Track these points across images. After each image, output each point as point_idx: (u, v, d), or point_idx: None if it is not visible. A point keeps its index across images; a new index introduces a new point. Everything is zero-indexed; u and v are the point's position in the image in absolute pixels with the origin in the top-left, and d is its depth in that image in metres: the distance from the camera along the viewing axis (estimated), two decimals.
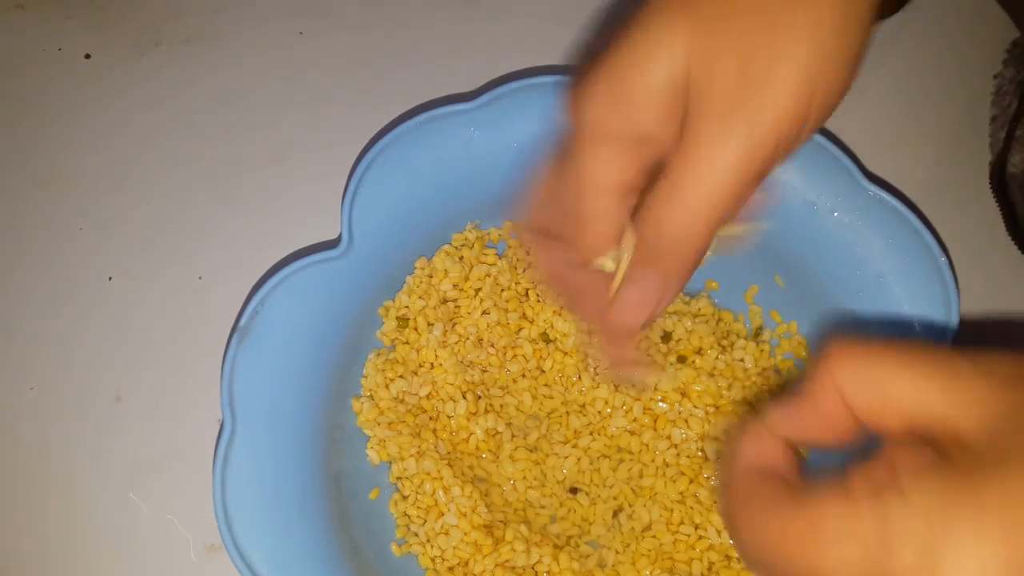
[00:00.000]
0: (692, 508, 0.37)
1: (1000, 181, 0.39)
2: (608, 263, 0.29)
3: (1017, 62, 0.41)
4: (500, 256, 0.40)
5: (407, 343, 0.38)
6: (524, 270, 0.40)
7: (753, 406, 0.39)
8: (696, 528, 0.37)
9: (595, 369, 0.38)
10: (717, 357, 0.39)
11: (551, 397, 0.39)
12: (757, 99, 0.25)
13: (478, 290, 0.39)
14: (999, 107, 0.41)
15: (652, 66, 0.26)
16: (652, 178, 0.28)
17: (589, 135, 0.28)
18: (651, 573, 0.36)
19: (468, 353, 0.39)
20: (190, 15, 0.46)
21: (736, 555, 0.37)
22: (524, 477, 0.38)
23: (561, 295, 0.33)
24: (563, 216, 0.30)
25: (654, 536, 0.37)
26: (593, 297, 0.30)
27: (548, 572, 0.36)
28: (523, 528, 0.36)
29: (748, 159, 0.26)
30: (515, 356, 0.39)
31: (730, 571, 0.36)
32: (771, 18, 0.25)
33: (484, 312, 0.39)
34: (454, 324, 0.39)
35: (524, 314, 0.39)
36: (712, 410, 0.38)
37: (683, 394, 0.38)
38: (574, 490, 0.38)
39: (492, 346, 0.39)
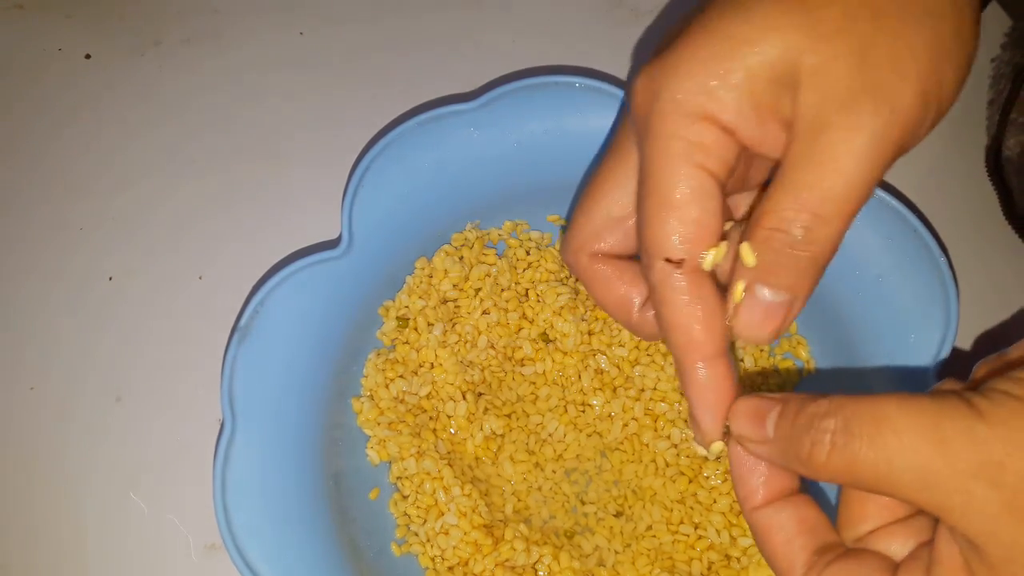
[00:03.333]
0: (692, 508, 0.37)
1: (996, 164, 0.39)
2: (708, 260, 0.25)
3: (1015, 45, 0.41)
4: (500, 256, 0.40)
5: (407, 343, 0.38)
6: (524, 270, 0.40)
7: None
8: (696, 528, 0.37)
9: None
10: None
11: (551, 397, 0.39)
12: (883, 92, 0.24)
13: (478, 290, 0.39)
14: (995, 90, 0.41)
15: (758, 50, 0.24)
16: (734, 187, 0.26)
17: (675, 110, 0.25)
18: (651, 572, 0.36)
19: (468, 353, 0.39)
20: (190, 15, 0.46)
21: (736, 554, 0.37)
22: (524, 478, 0.38)
23: (642, 332, 0.29)
24: (631, 230, 0.28)
25: (654, 536, 0.37)
26: (686, 324, 0.26)
27: (548, 571, 0.36)
28: (523, 527, 0.37)
29: (879, 150, 0.24)
30: (515, 356, 0.39)
31: (730, 571, 0.36)
32: (890, 23, 0.24)
33: (484, 312, 0.39)
34: (454, 324, 0.39)
35: (524, 314, 0.39)
36: None
37: (683, 394, 0.38)
38: (578, 494, 0.38)
39: (492, 346, 0.39)
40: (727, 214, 0.26)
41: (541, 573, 0.36)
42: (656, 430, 0.38)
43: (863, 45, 0.24)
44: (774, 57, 0.24)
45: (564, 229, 0.40)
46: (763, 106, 0.25)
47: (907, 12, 0.25)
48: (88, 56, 0.45)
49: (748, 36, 0.24)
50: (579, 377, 0.39)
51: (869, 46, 0.24)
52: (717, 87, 0.24)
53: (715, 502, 0.37)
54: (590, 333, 0.39)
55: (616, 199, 0.28)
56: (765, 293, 0.25)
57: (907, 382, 0.35)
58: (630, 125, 0.27)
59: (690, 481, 0.37)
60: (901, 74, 0.24)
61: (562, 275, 0.39)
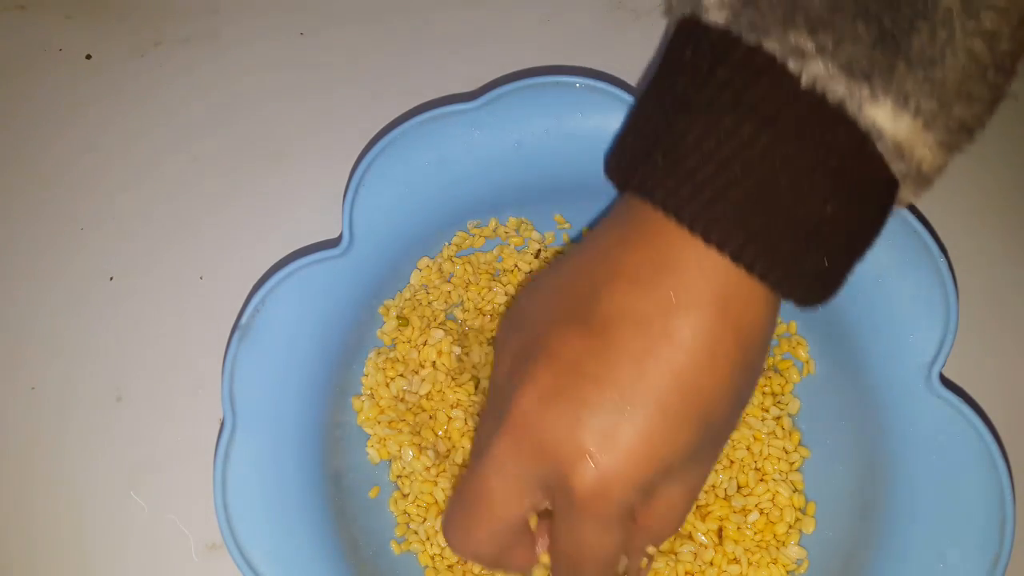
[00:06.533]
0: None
1: None
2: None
3: None
4: (500, 258, 0.40)
5: (407, 342, 0.38)
6: (527, 272, 0.40)
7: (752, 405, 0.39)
8: (695, 528, 0.37)
9: None
10: None
11: None
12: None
13: (479, 289, 0.39)
14: None
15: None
16: None
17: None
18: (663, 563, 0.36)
19: (468, 353, 0.39)
20: (190, 15, 0.46)
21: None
22: None
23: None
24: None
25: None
26: None
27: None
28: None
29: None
30: None
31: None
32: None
33: (483, 312, 0.39)
34: (455, 323, 0.39)
35: None
36: None
37: None
38: None
39: (492, 345, 0.39)
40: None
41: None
42: None
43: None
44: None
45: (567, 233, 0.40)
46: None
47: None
48: (88, 56, 0.45)
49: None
50: None
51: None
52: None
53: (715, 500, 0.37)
54: None
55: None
56: None
57: (907, 382, 0.35)
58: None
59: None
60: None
61: None
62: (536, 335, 0.28)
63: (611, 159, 0.30)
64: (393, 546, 0.37)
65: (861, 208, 0.27)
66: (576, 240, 0.41)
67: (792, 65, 0.25)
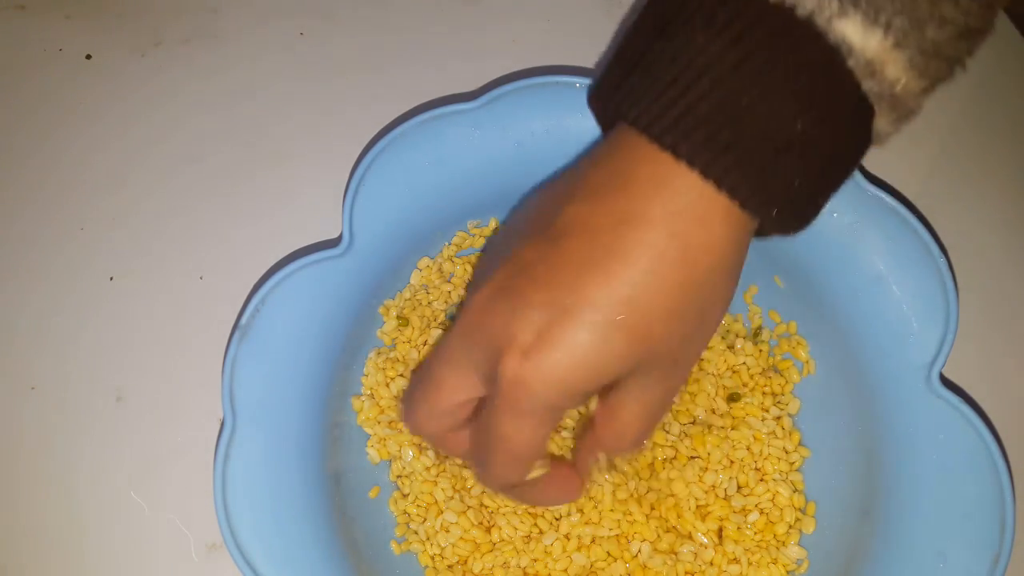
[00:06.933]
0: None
1: None
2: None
3: None
4: None
5: (408, 342, 0.38)
6: None
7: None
8: (695, 528, 0.37)
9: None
10: (718, 356, 0.39)
11: None
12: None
13: None
14: None
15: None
16: None
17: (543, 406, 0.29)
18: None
19: None
20: (190, 15, 0.46)
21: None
22: None
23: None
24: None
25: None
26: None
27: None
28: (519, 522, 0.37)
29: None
30: None
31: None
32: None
33: None
34: (455, 323, 0.39)
35: None
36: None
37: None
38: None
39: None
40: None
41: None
42: (662, 426, 0.38)
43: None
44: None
45: None
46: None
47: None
48: (88, 56, 0.45)
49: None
50: None
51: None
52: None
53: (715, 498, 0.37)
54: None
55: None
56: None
57: (907, 382, 0.35)
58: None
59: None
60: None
61: None
62: (505, 247, 0.30)
63: (593, 88, 0.31)
64: (393, 546, 0.37)
65: (835, 128, 0.27)
66: None
67: None
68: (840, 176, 0.29)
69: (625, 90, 0.28)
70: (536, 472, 0.30)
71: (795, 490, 0.38)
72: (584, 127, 0.36)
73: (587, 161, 0.30)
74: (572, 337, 0.26)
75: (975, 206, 0.42)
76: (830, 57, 0.26)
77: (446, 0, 0.46)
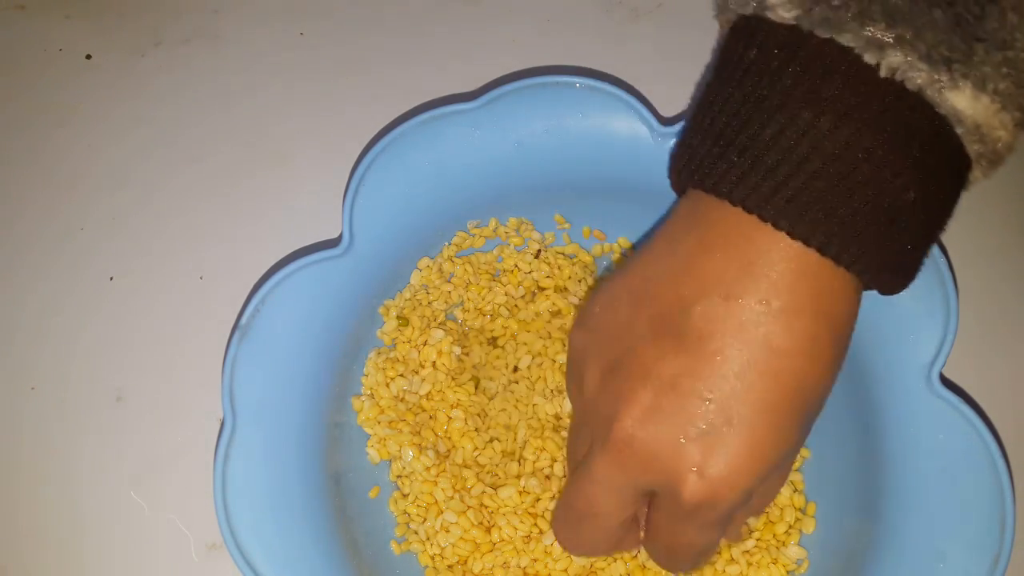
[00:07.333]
0: None
1: None
2: None
3: None
4: (501, 259, 0.40)
5: (408, 342, 0.38)
6: (528, 272, 0.40)
7: None
8: None
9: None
10: None
11: (557, 395, 0.39)
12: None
13: (479, 289, 0.39)
14: None
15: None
16: None
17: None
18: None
19: (469, 353, 0.39)
20: (190, 15, 0.46)
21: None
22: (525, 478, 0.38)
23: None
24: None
25: None
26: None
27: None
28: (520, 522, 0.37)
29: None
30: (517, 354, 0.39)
31: None
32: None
33: (483, 313, 0.39)
34: (455, 323, 0.39)
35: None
36: None
37: None
38: None
39: (493, 344, 0.39)
40: None
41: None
42: None
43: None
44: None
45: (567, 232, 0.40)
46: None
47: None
48: (88, 56, 0.45)
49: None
50: None
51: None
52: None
53: None
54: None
55: None
56: None
57: (907, 382, 0.35)
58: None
59: None
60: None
61: (563, 278, 0.39)
62: (626, 350, 0.29)
63: (677, 162, 0.29)
64: (393, 546, 0.37)
65: (939, 192, 0.27)
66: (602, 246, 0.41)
67: (868, 57, 0.26)
68: (940, 230, 0.29)
69: (724, 167, 0.27)
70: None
71: (795, 490, 0.38)
72: (584, 127, 0.36)
73: (692, 243, 0.28)
74: (751, 444, 0.27)
75: (975, 206, 0.42)
76: (940, 128, 0.26)
77: (446, 0, 0.46)
